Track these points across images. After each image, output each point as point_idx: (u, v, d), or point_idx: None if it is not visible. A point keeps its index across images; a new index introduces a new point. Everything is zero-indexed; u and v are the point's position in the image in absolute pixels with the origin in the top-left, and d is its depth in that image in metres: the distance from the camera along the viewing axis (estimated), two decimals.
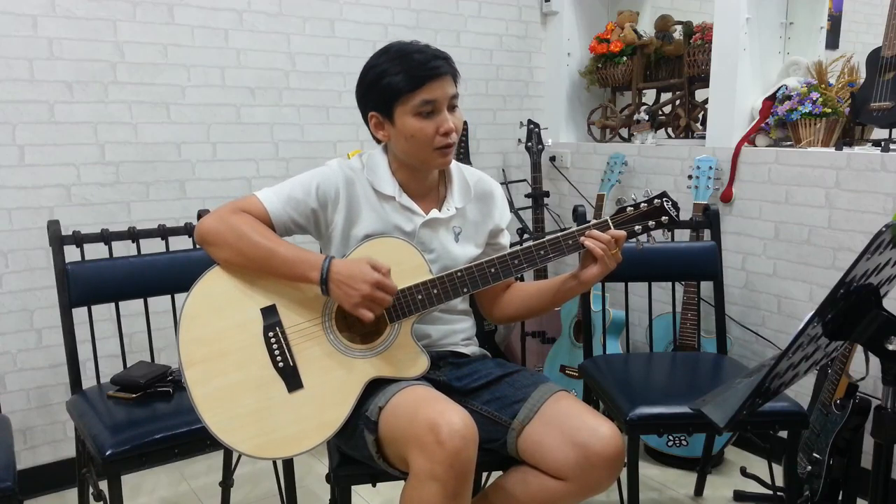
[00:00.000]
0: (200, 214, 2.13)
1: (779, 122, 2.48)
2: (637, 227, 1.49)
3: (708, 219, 2.23)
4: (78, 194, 2.37)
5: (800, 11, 2.66)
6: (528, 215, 3.10)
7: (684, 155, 2.74)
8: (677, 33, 2.95)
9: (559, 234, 1.47)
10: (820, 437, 1.98)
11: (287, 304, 1.47)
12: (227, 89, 2.59)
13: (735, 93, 2.56)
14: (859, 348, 1.94)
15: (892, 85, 2.19)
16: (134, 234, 2.02)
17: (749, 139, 2.56)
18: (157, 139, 2.49)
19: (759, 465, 2.42)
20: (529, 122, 3.12)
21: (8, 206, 2.27)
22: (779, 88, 2.50)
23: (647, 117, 2.93)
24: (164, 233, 2.05)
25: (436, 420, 1.28)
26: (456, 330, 1.62)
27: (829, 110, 2.33)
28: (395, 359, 1.47)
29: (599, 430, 1.40)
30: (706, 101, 2.78)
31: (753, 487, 2.28)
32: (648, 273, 2.21)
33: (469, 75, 3.13)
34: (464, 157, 3.04)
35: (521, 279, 2.22)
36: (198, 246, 1.68)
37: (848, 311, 1.09)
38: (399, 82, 1.42)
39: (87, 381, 1.92)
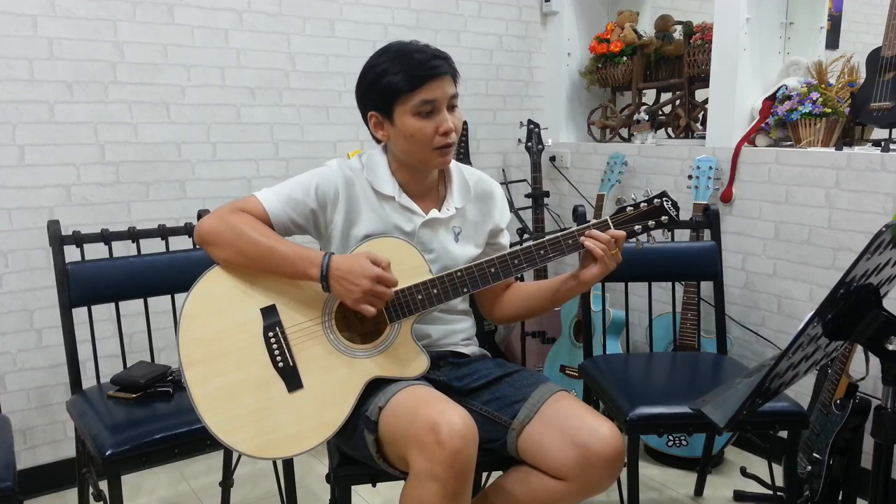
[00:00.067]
0: (200, 214, 2.13)
1: (779, 122, 2.48)
2: (637, 227, 1.49)
3: (708, 219, 2.23)
4: (78, 194, 2.37)
5: (800, 11, 2.66)
6: (528, 215, 3.10)
7: (684, 155, 2.74)
8: (677, 33, 2.95)
9: (559, 234, 1.47)
10: (820, 437, 1.98)
11: (287, 304, 1.47)
12: (227, 89, 2.59)
13: (735, 93, 2.56)
14: (859, 348, 1.94)
15: (892, 85, 2.19)
16: (134, 234, 2.02)
17: (749, 139, 2.56)
18: (157, 139, 2.49)
19: (759, 465, 2.42)
20: (529, 122, 3.12)
21: (8, 206, 2.27)
22: (779, 88, 2.50)
23: (647, 117, 2.93)
24: (164, 233, 2.05)
25: (436, 420, 1.28)
26: (456, 330, 1.62)
27: (829, 110, 2.33)
28: (395, 359, 1.47)
29: (599, 430, 1.40)
30: (706, 101, 2.78)
31: (753, 487, 2.28)
32: (648, 273, 2.21)
33: (469, 75, 3.13)
34: (464, 157, 3.04)
35: (521, 279, 2.22)
36: (198, 246, 1.68)
37: (848, 311, 1.09)
38: (399, 82, 1.42)
39: (87, 381, 1.92)
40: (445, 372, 1.58)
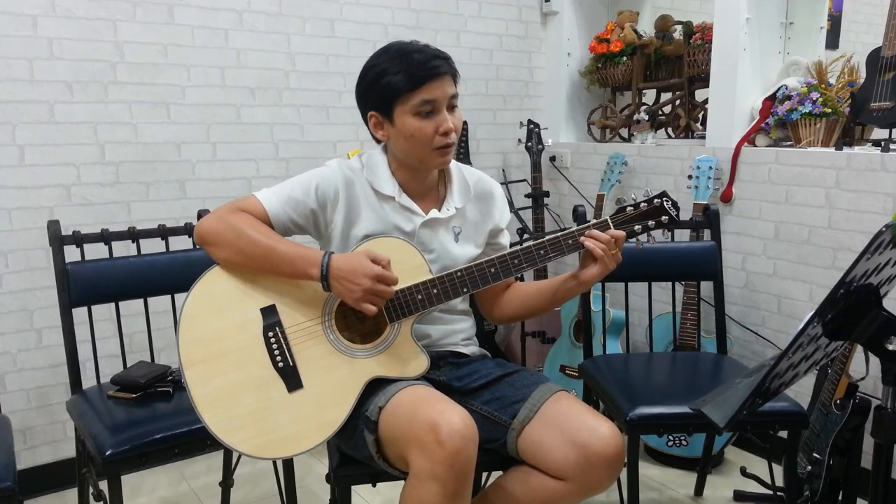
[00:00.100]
0: (200, 214, 2.13)
1: (779, 122, 2.48)
2: (637, 227, 1.49)
3: (708, 219, 2.23)
4: (78, 194, 2.37)
5: (800, 11, 2.66)
6: (528, 215, 3.10)
7: (684, 155, 2.74)
8: (677, 33, 2.95)
9: (559, 234, 1.47)
10: (820, 437, 1.98)
11: (287, 304, 1.47)
12: (227, 89, 2.59)
13: (735, 93, 2.56)
14: (859, 348, 1.94)
15: (892, 85, 2.19)
16: (134, 234, 2.02)
17: (749, 139, 2.56)
18: (157, 139, 2.49)
19: (759, 465, 2.42)
20: (529, 122, 3.12)
21: (8, 206, 2.27)
22: (779, 88, 2.50)
23: (647, 117, 2.93)
24: (164, 233, 2.05)
25: (436, 420, 1.28)
26: (456, 330, 1.62)
27: (829, 110, 2.33)
28: (395, 359, 1.47)
29: (599, 430, 1.40)
30: (706, 101, 2.78)
31: (753, 487, 2.28)
32: (648, 273, 2.21)
33: (469, 75, 3.13)
34: (464, 157, 3.04)
35: (521, 279, 2.22)
36: (197, 246, 1.68)
37: (848, 311, 1.09)
38: (399, 82, 1.42)
39: (87, 381, 1.92)
40: (445, 372, 1.58)
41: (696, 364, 2.12)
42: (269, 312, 1.46)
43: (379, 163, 1.55)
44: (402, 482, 1.37)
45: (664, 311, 2.56)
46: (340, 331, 1.48)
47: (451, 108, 1.48)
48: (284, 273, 1.45)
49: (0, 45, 2.19)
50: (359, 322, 1.52)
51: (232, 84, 2.60)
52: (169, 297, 2.00)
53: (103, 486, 1.66)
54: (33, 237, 2.31)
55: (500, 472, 1.54)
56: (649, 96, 3.18)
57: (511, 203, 2.63)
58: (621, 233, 1.47)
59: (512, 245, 1.61)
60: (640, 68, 3.06)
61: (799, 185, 2.37)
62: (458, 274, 1.46)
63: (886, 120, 2.21)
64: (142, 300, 2.00)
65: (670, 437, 2.49)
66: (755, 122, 2.55)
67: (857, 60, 2.42)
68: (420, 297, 1.46)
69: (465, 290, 1.47)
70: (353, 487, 1.58)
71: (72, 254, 1.90)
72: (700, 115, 2.96)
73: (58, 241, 1.87)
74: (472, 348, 1.66)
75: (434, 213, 1.56)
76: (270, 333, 1.45)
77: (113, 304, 1.99)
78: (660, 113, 3.04)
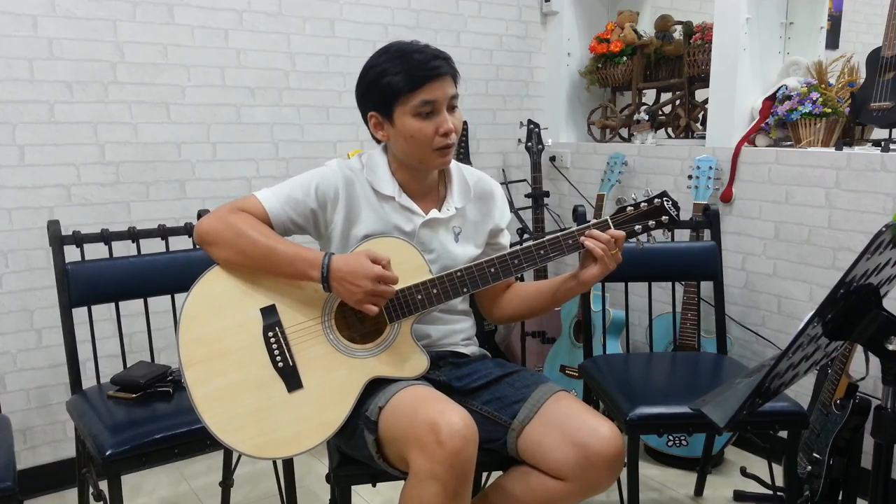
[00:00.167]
0: (200, 214, 2.13)
1: (779, 122, 2.48)
2: (637, 227, 1.49)
3: (708, 219, 2.23)
4: (78, 194, 2.37)
5: (800, 11, 2.66)
6: (528, 215, 3.10)
7: (684, 155, 2.74)
8: (677, 33, 2.95)
9: (559, 234, 1.47)
10: (820, 437, 1.98)
11: (287, 304, 1.47)
12: (227, 89, 2.59)
13: (735, 93, 2.56)
14: (859, 348, 1.94)
15: (892, 85, 2.19)
16: (134, 234, 2.02)
17: (749, 139, 2.56)
18: (157, 139, 2.49)
19: (759, 465, 2.42)
20: (529, 122, 3.12)
21: (8, 206, 2.27)
22: (779, 88, 2.50)
23: (647, 117, 2.93)
24: (164, 233, 2.05)
25: (436, 420, 1.28)
26: (456, 330, 1.62)
27: (829, 110, 2.33)
28: (395, 358, 1.47)
29: (599, 430, 1.40)
30: (706, 101, 2.78)
31: (753, 487, 2.28)
32: (648, 273, 2.20)
33: (469, 75, 3.13)
34: (464, 157, 3.04)
35: (521, 279, 2.22)
36: (197, 246, 1.68)
37: (848, 311, 1.09)
38: (399, 82, 1.42)
39: (87, 381, 1.92)
40: (445, 372, 1.58)
41: (696, 364, 2.12)
42: (268, 312, 1.46)
43: (379, 163, 1.55)
44: (402, 482, 1.37)
45: (664, 311, 2.56)
46: (340, 330, 1.48)
47: (452, 108, 1.48)
48: (284, 274, 1.45)
49: (0, 45, 2.19)
50: (359, 322, 1.53)
51: (232, 84, 2.60)
52: (169, 297, 2.00)
53: (103, 486, 1.66)
54: (33, 237, 2.31)
55: (500, 472, 1.54)
56: (649, 96, 3.18)
57: (511, 203, 2.63)
58: (621, 233, 1.47)
59: (512, 245, 1.61)
60: (640, 68, 3.06)
61: (799, 185, 2.37)
62: (458, 274, 1.46)
63: (886, 120, 2.21)
64: (142, 300, 2.00)
65: (670, 437, 2.49)
66: (755, 122, 2.55)
67: (857, 60, 2.42)
68: (420, 297, 1.46)
69: (464, 290, 1.47)
70: (353, 487, 1.58)
71: (72, 254, 1.90)
72: (700, 115, 2.96)
73: (58, 241, 1.87)
74: (472, 348, 1.66)
75: (434, 213, 1.56)
76: (270, 333, 1.45)
77: (113, 304, 1.99)
78: (660, 113, 3.04)
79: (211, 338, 1.44)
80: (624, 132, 3.20)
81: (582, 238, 1.46)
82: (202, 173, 2.58)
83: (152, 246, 2.07)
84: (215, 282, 1.47)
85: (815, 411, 2.02)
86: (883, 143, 2.19)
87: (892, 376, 1.14)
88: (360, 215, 1.52)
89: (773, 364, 1.05)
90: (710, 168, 2.52)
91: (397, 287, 1.43)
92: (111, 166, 2.42)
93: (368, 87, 1.48)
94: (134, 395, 1.81)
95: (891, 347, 1.12)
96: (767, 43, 2.62)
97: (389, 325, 1.47)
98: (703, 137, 2.74)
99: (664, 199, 1.49)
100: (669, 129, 3.08)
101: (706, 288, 2.49)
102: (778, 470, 2.03)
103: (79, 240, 1.92)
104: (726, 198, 2.59)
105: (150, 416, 1.72)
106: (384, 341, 1.47)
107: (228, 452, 2.09)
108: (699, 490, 2.34)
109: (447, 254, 1.56)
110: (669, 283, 2.43)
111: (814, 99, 2.33)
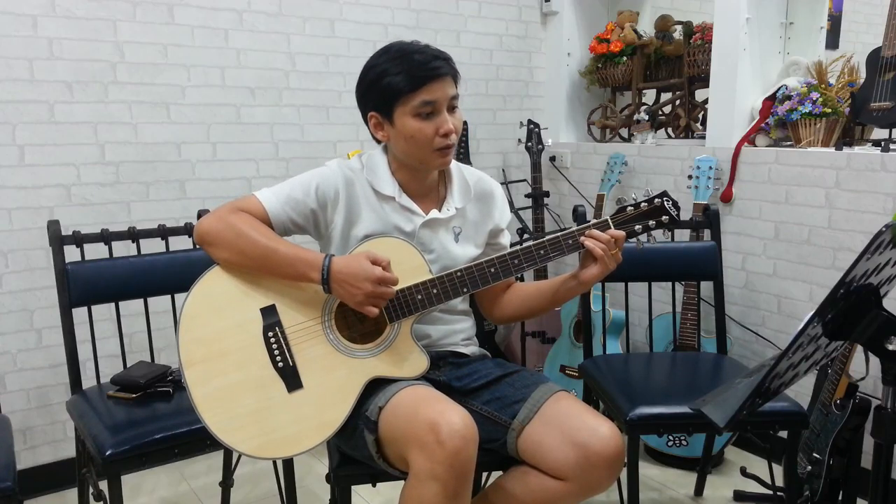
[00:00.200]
0: (200, 214, 2.13)
1: (779, 122, 2.48)
2: (637, 227, 1.49)
3: (708, 219, 2.23)
4: (78, 194, 2.37)
5: (800, 11, 2.66)
6: (528, 215, 3.10)
7: (684, 155, 2.74)
8: (677, 33, 2.95)
9: (559, 234, 1.47)
10: (820, 437, 1.98)
11: (287, 304, 1.47)
12: (227, 89, 2.59)
13: (735, 93, 2.56)
14: (859, 348, 1.94)
15: (892, 85, 2.19)
16: (134, 234, 2.02)
17: (749, 139, 2.56)
18: (157, 139, 2.49)
19: (759, 465, 2.42)
20: (529, 122, 3.12)
21: (8, 206, 2.27)
22: (779, 88, 2.50)
23: (647, 117, 2.93)
24: (164, 233, 2.05)
25: (436, 420, 1.28)
26: (456, 330, 1.62)
27: (829, 110, 2.33)
28: (395, 358, 1.47)
29: (599, 430, 1.40)
30: (706, 101, 2.78)
31: (753, 487, 2.28)
32: (648, 273, 2.20)
33: (469, 75, 3.13)
34: (464, 157, 3.04)
35: (521, 279, 2.22)
36: (197, 246, 1.68)
37: (848, 311, 1.09)
38: (399, 83, 1.42)
39: (87, 381, 1.92)
40: (445, 372, 1.58)
41: (696, 364, 2.12)
42: (268, 312, 1.46)
43: (379, 163, 1.55)
44: (402, 482, 1.37)
45: (664, 311, 2.56)
46: (340, 330, 1.48)
47: (452, 109, 1.48)
48: (284, 275, 1.45)
49: (0, 45, 2.19)
50: (359, 322, 1.53)
51: (232, 84, 2.60)
52: (169, 297, 2.00)
53: (103, 486, 1.66)
54: (33, 237, 2.31)
55: (500, 472, 1.54)
56: (649, 96, 3.18)
57: (511, 203, 2.63)
58: (621, 233, 1.47)
59: (512, 245, 1.61)
60: (640, 68, 3.06)
61: (799, 185, 2.37)
62: (458, 274, 1.46)
63: (886, 120, 2.21)
64: (142, 300, 2.00)
65: (670, 437, 2.49)
66: (755, 122, 2.55)
67: (857, 60, 2.42)
68: (420, 297, 1.46)
69: (464, 290, 1.47)
70: (353, 487, 1.58)
71: (72, 254, 1.90)
72: (700, 115, 2.96)
73: (58, 241, 1.87)
74: (472, 348, 1.66)
75: (434, 213, 1.56)
76: (270, 333, 1.45)
77: (113, 304, 1.99)
78: (660, 113, 3.04)
79: (211, 338, 1.44)
80: (624, 132, 3.20)
81: (582, 238, 1.46)
82: (202, 173, 2.58)
83: (152, 246, 2.07)
84: (215, 282, 1.47)
85: (815, 411, 2.02)
86: (883, 143, 2.19)
87: (892, 376, 1.14)
88: (361, 215, 1.52)
89: (773, 364, 1.05)
90: (710, 168, 2.52)
91: (397, 287, 1.43)
92: (111, 166, 2.42)
93: (369, 88, 1.48)
94: (134, 395, 1.81)
95: (891, 347, 1.12)
96: (767, 43, 2.62)
97: (389, 325, 1.47)
98: (703, 137, 2.74)
99: (664, 198, 1.49)
100: (669, 129, 3.08)
101: (706, 288, 2.49)
102: (778, 470, 2.03)
103: (79, 240, 1.92)
104: (726, 198, 2.59)
105: (150, 416, 1.72)
106: (384, 341, 1.47)
107: (228, 452, 2.09)
108: (699, 490, 2.34)
109: (447, 254, 1.56)
110: (669, 283, 2.43)
111: (814, 99, 2.33)
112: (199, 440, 1.65)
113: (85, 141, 2.36)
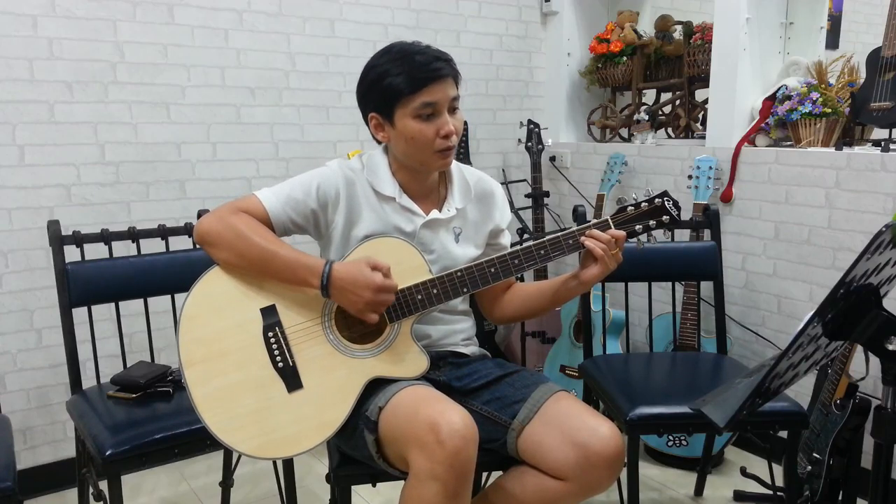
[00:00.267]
0: (200, 214, 2.13)
1: (779, 122, 2.48)
2: (638, 227, 1.49)
3: (708, 219, 2.23)
4: (78, 194, 2.37)
5: (800, 11, 2.66)
6: (528, 215, 3.10)
7: (684, 155, 2.74)
8: (677, 33, 2.95)
9: (559, 234, 1.47)
10: (820, 437, 1.98)
11: (287, 304, 1.47)
12: (227, 89, 2.59)
13: (735, 93, 2.56)
14: (859, 348, 1.94)
15: (892, 85, 2.19)
16: (134, 234, 2.02)
17: (749, 139, 2.56)
18: (157, 139, 2.49)
19: (759, 465, 2.42)
20: (529, 122, 3.12)
21: (8, 206, 2.27)
22: (779, 88, 2.50)
23: (647, 117, 2.93)
24: (164, 233, 2.05)
25: (436, 420, 1.28)
26: (456, 330, 1.62)
27: (829, 110, 2.33)
28: (395, 359, 1.47)
29: (599, 430, 1.40)
30: (706, 101, 2.78)
31: (753, 487, 2.28)
32: (648, 273, 2.20)
33: (469, 75, 3.13)
34: (464, 157, 3.04)
35: (522, 279, 2.22)
36: (197, 246, 1.68)
37: (848, 311, 1.09)
38: (400, 84, 1.42)
39: (87, 381, 1.92)
40: (445, 372, 1.58)
41: (696, 364, 2.12)
42: (268, 312, 1.46)
43: (379, 163, 1.55)
44: (402, 482, 1.37)
45: (664, 311, 2.56)
46: (340, 331, 1.48)
47: (453, 110, 1.47)
48: (284, 279, 1.45)
49: (0, 45, 2.19)
50: (359, 322, 1.52)
51: (232, 84, 2.60)
52: (169, 297, 2.00)
53: (103, 486, 1.66)
54: (33, 237, 2.31)
55: (500, 472, 1.54)
56: (649, 96, 3.18)
57: (511, 203, 2.63)
58: (622, 233, 1.47)
59: (512, 245, 1.61)
60: (640, 68, 3.06)
61: (799, 185, 2.37)
62: (458, 274, 1.46)
63: (886, 120, 2.21)
64: (142, 300, 2.00)
65: (670, 437, 2.49)
66: (755, 122, 2.55)
67: (857, 60, 2.42)
68: (420, 297, 1.46)
69: (465, 290, 1.47)
70: (353, 487, 1.58)
71: (72, 254, 1.90)
72: (700, 115, 2.96)
73: (58, 241, 1.87)
74: (472, 348, 1.66)
75: (434, 213, 1.55)
76: (270, 333, 1.45)
77: (113, 304, 1.99)
78: (660, 113, 3.04)
79: (211, 338, 1.44)
80: (624, 132, 3.20)
81: (582, 238, 1.46)
82: (202, 173, 2.58)
83: (152, 246, 2.07)
84: (215, 282, 1.47)
85: (815, 411, 2.03)
86: (883, 143, 2.19)
87: (892, 376, 1.14)
88: (361, 216, 1.52)
89: (773, 364, 1.05)
90: (710, 168, 2.52)
91: (397, 288, 1.43)
92: (111, 166, 2.42)
93: (369, 88, 1.47)
94: (134, 395, 1.81)
95: (891, 347, 1.12)
96: (767, 43, 2.62)
97: (389, 326, 1.47)
98: (703, 137, 2.74)
99: (665, 198, 1.49)
100: (669, 129, 3.08)
101: (706, 288, 2.49)
102: (778, 470, 2.03)
103: (79, 240, 1.92)
104: (726, 198, 2.59)
105: (150, 416, 1.72)
106: (384, 341, 1.47)
107: (228, 452, 2.09)
108: (699, 490, 2.35)
109: (447, 254, 1.56)
110: (669, 283, 2.43)
111: (814, 99, 2.33)
112: (199, 440, 1.65)
113: (85, 141, 2.36)
